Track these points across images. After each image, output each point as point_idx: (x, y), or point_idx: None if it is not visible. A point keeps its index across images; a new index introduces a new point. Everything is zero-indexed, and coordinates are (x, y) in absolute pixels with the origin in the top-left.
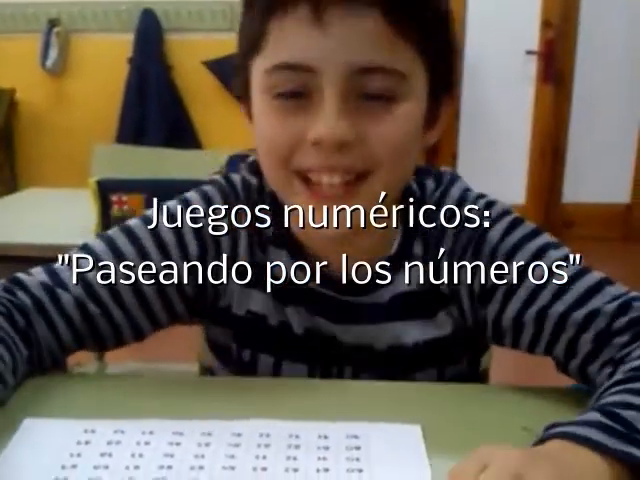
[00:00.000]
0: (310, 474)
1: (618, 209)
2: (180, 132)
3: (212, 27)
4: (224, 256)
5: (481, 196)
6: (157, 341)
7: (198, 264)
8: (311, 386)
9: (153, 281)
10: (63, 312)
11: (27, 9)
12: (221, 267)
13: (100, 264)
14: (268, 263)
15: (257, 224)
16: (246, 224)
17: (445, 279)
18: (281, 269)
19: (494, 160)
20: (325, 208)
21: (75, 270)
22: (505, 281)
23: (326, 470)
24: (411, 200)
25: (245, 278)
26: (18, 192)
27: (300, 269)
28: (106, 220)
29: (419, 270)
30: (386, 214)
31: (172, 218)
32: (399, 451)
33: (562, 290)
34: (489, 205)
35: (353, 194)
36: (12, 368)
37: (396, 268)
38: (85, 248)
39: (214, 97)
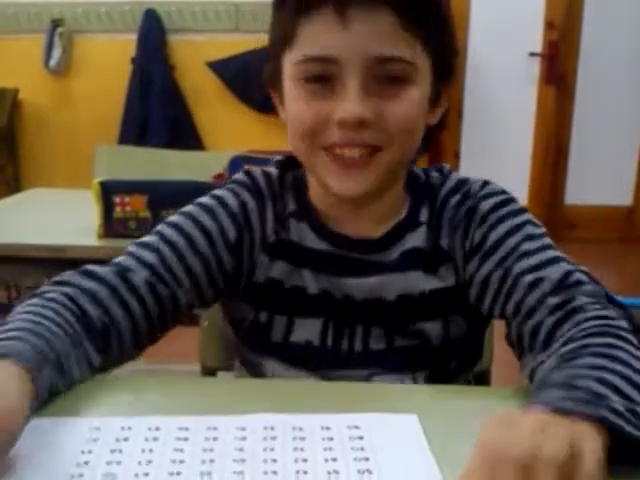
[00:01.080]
0: (319, 464)
1: (620, 211)
2: (183, 133)
3: (216, 28)
4: (257, 237)
5: (480, 179)
6: (161, 341)
7: (236, 246)
8: (311, 387)
9: (201, 263)
10: (137, 294)
11: (30, 9)
12: (254, 246)
13: (160, 252)
14: (291, 234)
15: (278, 205)
16: (269, 208)
17: (446, 240)
18: (303, 238)
19: (497, 161)
20: (346, 175)
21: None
22: (486, 245)
23: (334, 460)
24: (418, 179)
25: (271, 252)
26: (21, 192)
27: (318, 235)
28: (108, 221)
29: (424, 232)
30: (393, 186)
31: (210, 210)
32: (401, 439)
33: (524, 256)
34: (486, 182)
35: (369, 164)
36: (76, 361)
37: (404, 230)
38: (138, 244)
39: (217, 98)
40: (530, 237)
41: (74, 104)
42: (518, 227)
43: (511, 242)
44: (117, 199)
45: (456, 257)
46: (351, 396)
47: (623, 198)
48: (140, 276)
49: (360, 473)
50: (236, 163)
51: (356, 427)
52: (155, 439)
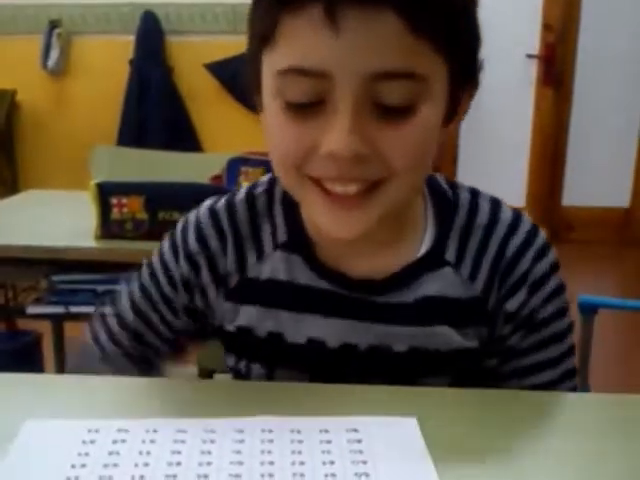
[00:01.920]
0: (317, 467)
1: (618, 213)
2: (181, 134)
3: (213, 29)
4: (208, 284)
5: (516, 216)
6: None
7: (184, 297)
8: (310, 389)
9: (154, 312)
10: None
11: (28, 10)
12: (207, 294)
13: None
14: (263, 271)
15: (247, 237)
16: (229, 247)
17: (480, 286)
18: (291, 274)
19: (494, 163)
20: (339, 214)
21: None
22: (536, 318)
23: (332, 463)
24: (445, 196)
25: (237, 297)
26: (18, 194)
27: (315, 272)
28: (106, 222)
29: (451, 275)
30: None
31: (161, 257)
32: (399, 442)
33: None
34: (519, 217)
35: (367, 202)
36: None
37: (423, 268)
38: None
39: (215, 99)
40: (570, 328)
41: (72, 105)
42: (564, 309)
43: (558, 326)
44: (114, 200)
45: (498, 315)
46: (350, 399)
47: (620, 200)
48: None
49: (357, 476)
50: (234, 164)
51: (354, 430)
52: (152, 441)
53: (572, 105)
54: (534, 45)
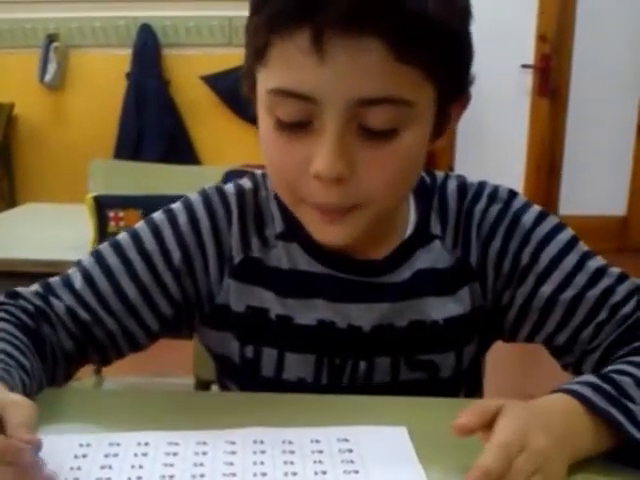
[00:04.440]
0: (309, 477)
1: (614, 221)
2: (178, 147)
3: (210, 42)
4: (212, 258)
5: (495, 185)
6: (154, 354)
7: (182, 269)
8: (302, 399)
9: (138, 289)
10: (59, 318)
11: (25, 24)
12: (210, 268)
13: (89, 276)
14: (272, 258)
15: (249, 224)
16: (235, 227)
17: (475, 257)
18: (294, 262)
19: (490, 173)
20: (327, 227)
21: (68, 282)
22: (539, 265)
23: (324, 473)
24: (424, 182)
25: (243, 277)
26: (16, 207)
27: (315, 258)
28: (103, 236)
29: (439, 248)
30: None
31: (155, 228)
32: (390, 451)
33: (596, 276)
34: (513, 192)
35: (350, 219)
36: (31, 374)
37: (414, 246)
38: (77, 264)
39: (212, 112)
40: (587, 254)
41: (69, 119)
42: (572, 243)
43: (571, 260)
44: (111, 214)
45: (487, 277)
46: (341, 409)
47: (617, 208)
48: (63, 302)
49: None
50: (230, 177)
51: (345, 440)
52: (144, 454)
53: (567, 115)
54: (529, 55)
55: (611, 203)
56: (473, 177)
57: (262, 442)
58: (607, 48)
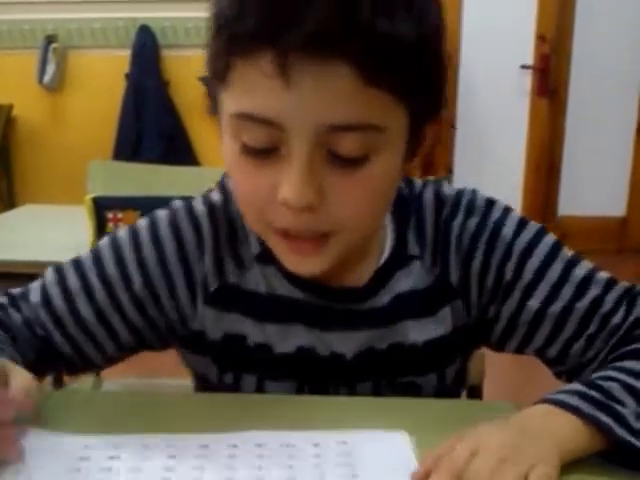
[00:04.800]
0: None
1: (613, 222)
2: (177, 148)
3: None
4: (178, 283)
5: (473, 191)
6: (153, 355)
7: (143, 295)
8: (302, 401)
9: (94, 312)
10: (18, 329)
11: (24, 25)
12: (176, 294)
13: (46, 294)
14: (248, 282)
15: (225, 245)
16: (207, 251)
17: (456, 275)
18: (271, 286)
19: (489, 173)
20: (298, 258)
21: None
22: (524, 278)
23: (323, 478)
24: (401, 194)
25: (218, 302)
26: (15, 208)
27: (292, 283)
28: (102, 237)
29: (418, 268)
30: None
31: (117, 250)
32: (389, 455)
33: (583, 285)
34: (490, 201)
35: (321, 249)
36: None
37: (393, 269)
38: (45, 277)
39: None
40: (572, 262)
41: (68, 120)
42: (553, 252)
43: (556, 271)
44: (110, 215)
45: (470, 293)
46: (341, 410)
47: (616, 209)
48: (21, 313)
49: None
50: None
51: (345, 444)
52: (145, 458)
53: (567, 115)
54: (528, 56)
55: (610, 204)
56: (472, 177)
57: (262, 446)
58: (606, 48)
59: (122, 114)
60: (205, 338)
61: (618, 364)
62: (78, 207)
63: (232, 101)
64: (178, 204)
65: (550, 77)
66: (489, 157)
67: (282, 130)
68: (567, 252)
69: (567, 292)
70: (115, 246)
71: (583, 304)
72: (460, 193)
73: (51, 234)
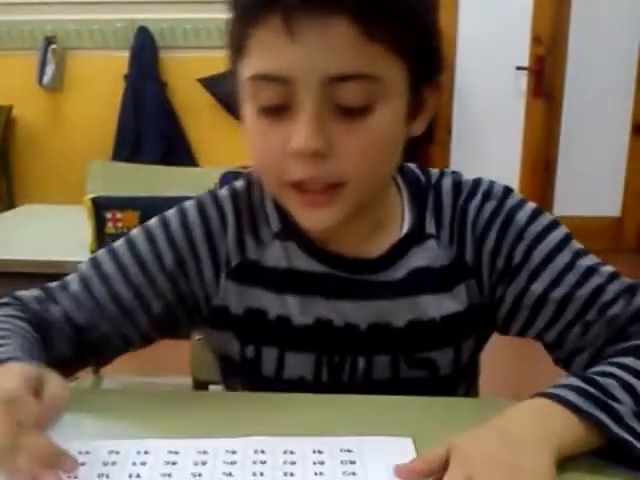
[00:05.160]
0: None
1: (609, 222)
2: (175, 149)
3: (206, 45)
4: (204, 260)
5: (491, 181)
6: (152, 354)
7: (175, 272)
8: (302, 401)
9: (132, 292)
10: (56, 323)
11: (23, 26)
12: (202, 271)
13: (86, 281)
14: (268, 258)
15: (245, 226)
16: (231, 229)
17: (471, 255)
18: (290, 261)
19: (485, 174)
20: (310, 211)
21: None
22: (531, 262)
23: None
24: (419, 181)
25: (241, 278)
26: (14, 208)
27: (312, 256)
28: (101, 237)
29: (434, 247)
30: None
31: (148, 233)
32: (394, 463)
33: (587, 274)
34: (508, 189)
35: (332, 199)
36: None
37: (409, 244)
38: (79, 271)
39: (209, 114)
40: (579, 253)
41: (67, 120)
42: (563, 242)
43: (563, 259)
44: (109, 215)
45: (482, 272)
46: (346, 411)
47: (611, 209)
48: (60, 305)
49: None
50: (227, 179)
51: (349, 450)
52: (143, 463)
53: (562, 116)
54: (524, 57)
55: (606, 204)
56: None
57: (263, 452)
58: (601, 49)
59: (121, 115)
60: (228, 313)
61: (617, 360)
62: (77, 207)
63: (248, 66)
64: (204, 194)
65: (545, 78)
66: (485, 157)
67: (291, 84)
68: (576, 244)
69: (571, 279)
70: (146, 231)
71: (585, 292)
72: (478, 180)
73: (50, 234)
